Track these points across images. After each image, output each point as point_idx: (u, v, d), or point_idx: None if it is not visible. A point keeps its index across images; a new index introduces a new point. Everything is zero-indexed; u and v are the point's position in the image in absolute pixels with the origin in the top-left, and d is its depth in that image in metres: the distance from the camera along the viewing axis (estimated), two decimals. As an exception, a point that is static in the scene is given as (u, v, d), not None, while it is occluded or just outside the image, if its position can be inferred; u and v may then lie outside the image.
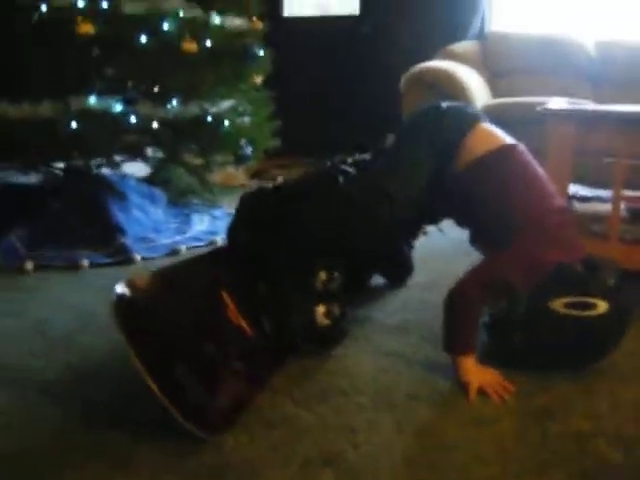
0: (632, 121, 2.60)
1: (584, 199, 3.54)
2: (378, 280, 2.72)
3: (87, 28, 2.97)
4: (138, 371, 1.57)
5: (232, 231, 2.30)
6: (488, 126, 2.28)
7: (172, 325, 1.79)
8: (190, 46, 3.14)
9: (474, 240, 2.26)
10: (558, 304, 1.89)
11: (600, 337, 1.92)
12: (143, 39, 3.07)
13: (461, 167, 2.18)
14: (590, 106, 3.30)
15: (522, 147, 2.24)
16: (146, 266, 2.92)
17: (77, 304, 2.49)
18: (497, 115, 4.10)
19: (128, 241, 3.17)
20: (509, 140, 2.24)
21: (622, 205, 3.12)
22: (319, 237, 2.14)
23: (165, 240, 3.32)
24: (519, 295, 1.94)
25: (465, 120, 2.25)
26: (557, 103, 2.86)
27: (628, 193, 2.94)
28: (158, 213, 3.59)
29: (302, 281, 2.09)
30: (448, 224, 2.42)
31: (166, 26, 3.09)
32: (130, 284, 1.80)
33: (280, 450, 1.58)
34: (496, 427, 1.69)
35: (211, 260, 2.23)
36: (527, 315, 1.94)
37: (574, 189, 3.61)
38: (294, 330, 2.03)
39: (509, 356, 1.98)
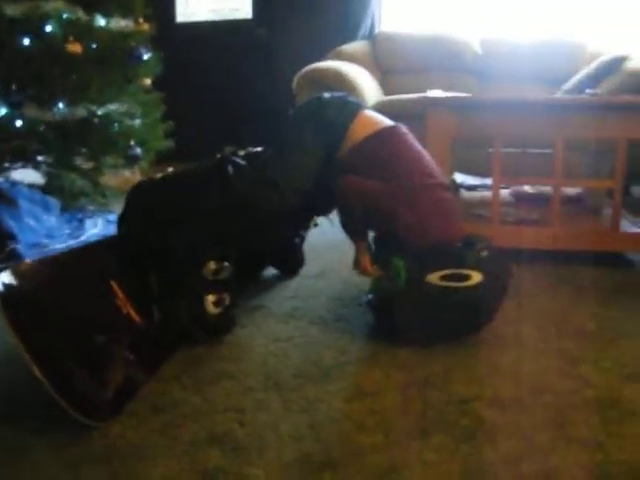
0: (503, 106, 2.72)
1: (471, 187, 3.68)
2: (271, 271, 2.76)
3: (-34, 32, 2.91)
4: (25, 362, 1.57)
5: (122, 220, 2.30)
6: (369, 112, 2.36)
7: (60, 315, 1.78)
8: (74, 48, 3.10)
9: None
10: (435, 277, 1.97)
11: (476, 306, 2.01)
12: (26, 41, 3.02)
13: (345, 153, 2.25)
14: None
15: (403, 128, 2.32)
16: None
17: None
18: (387, 111, 4.22)
19: (20, 247, 3.11)
20: (389, 122, 2.32)
21: (507, 190, 3.26)
22: (207, 226, 2.16)
23: (58, 245, 3.27)
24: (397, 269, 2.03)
25: (348, 110, 2.32)
26: (435, 93, 2.96)
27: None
28: (51, 220, 3.53)
29: (191, 270, 2.11)
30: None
31: (49, 28, 3.05)
32: (17, 273, 1.79)
33: (167, 433, 1.59)
34: (379, 399, 1.75)
35: (101, 249, 2.22)
36: (407, 290, 2.02)
37: (462, 178, 3.74)
38: (183, 318, 2.05)
39: (393, 331, 2.04)
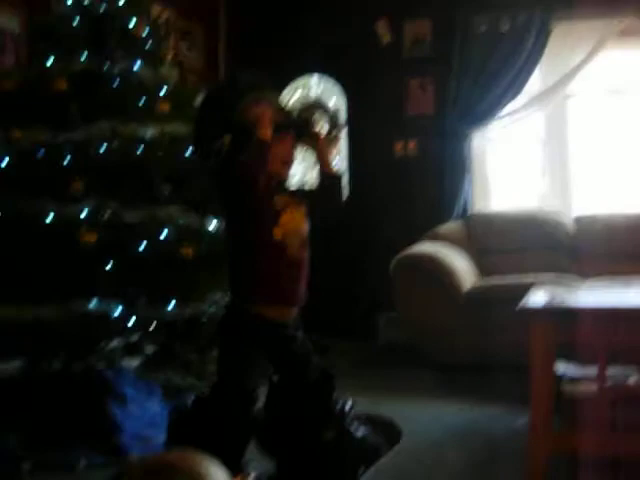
0: (607, 316, 2.70)
1: (573, 379, 3.58)
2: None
3: (89, 237, 3.12)
4: None
5: None
6: None
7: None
8: (187, 251, 3.30)
9: None
10: None
11: None
12: (142, 246, 3.23)
13: None
14: (568, 299, 3.34)
15: None
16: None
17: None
18: (485, 296, 4.28)
19: (124, 440, 3.18)
20: None
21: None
22: None
23: (161, 436, 3.33)
24: None
25: None
26: (536, 296, 2.96)
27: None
28: (154, 407, 3.62)
29: None
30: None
31: (164, 233, 3.27)
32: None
33: None
34: None
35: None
36: None
37: (563, 368, 3.66)
38: None
39: None
